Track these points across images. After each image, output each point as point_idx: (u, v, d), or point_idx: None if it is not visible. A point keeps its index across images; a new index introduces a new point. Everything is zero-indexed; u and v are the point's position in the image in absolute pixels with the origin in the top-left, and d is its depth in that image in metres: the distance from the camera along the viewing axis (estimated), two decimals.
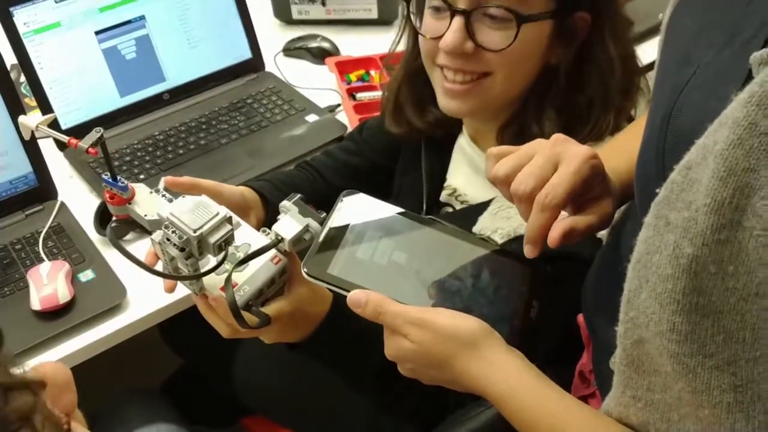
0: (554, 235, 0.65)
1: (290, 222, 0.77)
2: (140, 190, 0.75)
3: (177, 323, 1.13)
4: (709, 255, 0.46)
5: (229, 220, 0.70)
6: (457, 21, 0.87)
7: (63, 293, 1.06)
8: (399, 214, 0.78)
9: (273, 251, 0.78)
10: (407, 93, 1.03)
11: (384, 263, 0.73)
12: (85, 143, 0.73)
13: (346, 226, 0.75)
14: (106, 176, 0.75)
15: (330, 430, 1.12)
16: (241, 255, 0.76)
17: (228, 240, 0.70)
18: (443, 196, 1.04)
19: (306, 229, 0.76)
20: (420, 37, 0.94)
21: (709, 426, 0.50)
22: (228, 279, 0.73)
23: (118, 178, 0.74)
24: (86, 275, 1.12)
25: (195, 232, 0.68)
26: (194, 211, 0.69)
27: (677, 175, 0.48)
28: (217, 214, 0.69)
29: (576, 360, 0.80)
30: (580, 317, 0.77)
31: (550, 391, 0.64)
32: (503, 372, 0.64)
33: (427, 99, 0.98)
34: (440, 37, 0.89)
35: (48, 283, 1.07)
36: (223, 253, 0.71)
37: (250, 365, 1.19)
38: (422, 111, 1.01)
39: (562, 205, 0.65)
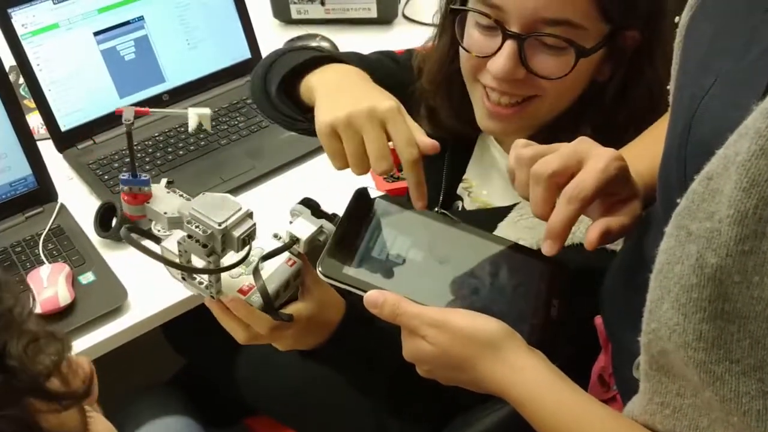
0: (591, 237, 0.65)
1: (304, 223, 0.76)
2: (157, 189, 0.74)
3: (180, 323, 1.12)
4: (733, 265, 0.45)
5: (250, 215, 0.69)
6: (510, 45, 0.80)
7: (63, 296, 1.05)
8: (414, 211, 0.77)
9: (287, 254, 0.78)
10: (443, 99, 0.96)
11: (400, 262, 0.72)
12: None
13: (360, 224, 0.74)
14: (125, 175, 0.73)
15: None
16: (255, 258, 0.75)
17: (251, 234, 0.69)
18: (459, 189, 1.02)
19: (320, 230, 0.76)
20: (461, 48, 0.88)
21: None
22: (256, 269, 0.73)
23: (138, 173, 0.73)
24: (87, 277, 1.12)
25: (220, 225, 0.67)
26: (217, 206, 0.68)
27: (698, 185, 0.48)
28: (240, 208, 0.68)
29: (590, 361, 0.79)
30: (598, 319, 0.76)
31: (572, 393, 0.63)
32: (524, 374, 0.63)
33: (464, 104, 0.92)
34: (487, 56, 0.83)
35: (48, 285, 1.06)
36: (247, 248, 0.70)
37: (255, 365, 1.18)
38: (458, 116, 0.95)
39: (589, 200, 0.64)
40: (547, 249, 0.66)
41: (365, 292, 0.68)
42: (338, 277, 0.70)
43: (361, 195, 0.77)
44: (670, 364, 0.53)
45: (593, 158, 0.65)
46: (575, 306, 0.75)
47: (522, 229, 0.85)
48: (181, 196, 0.74)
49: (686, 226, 0.48)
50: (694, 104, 0.53)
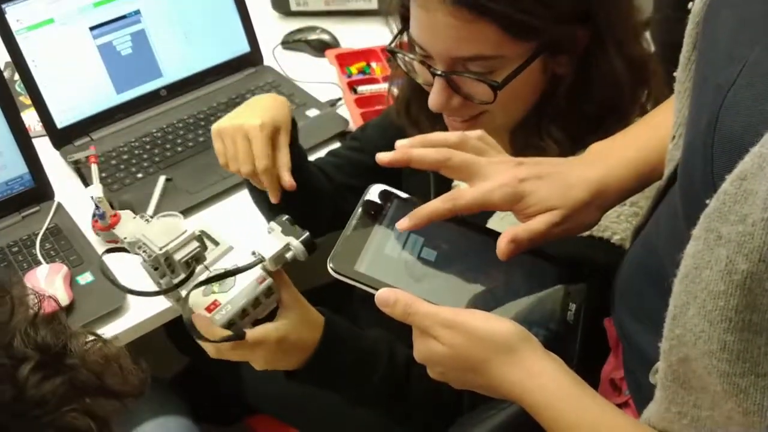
0: (500, 246, 0.68)
1: (272, 241, 0.78)
2: (125, 216, 0.79)
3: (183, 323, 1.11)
4: (765, 271, 0.43)
5: (197, 238, 0.75)
6: (439, 82, 0.86)
7: (62, 297, 1.04)
8: None
9: (259, 272, 0.78)
10: (417, 108, 1.00)
11: (413, 261, 0.71)
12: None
13: (373, 221, 0.73)
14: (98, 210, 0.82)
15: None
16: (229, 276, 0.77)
17: (196, 257, 0.75)
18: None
19: (287, 248, 0.77)
20: None
21: None
22: (186, 298, 0.75)
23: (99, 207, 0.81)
24: (85, 278, 1.10)
25: (161, 249, 0.73)
26: (163, 230, 0.74)
27: (730, 185, 0.45)
28: (185, 231, 0.74)
29: (597, 362, 0.77)
30: (607, 321, 0.74)
31: (590, 400, 0.61)
32: (541, 379, 0.61)
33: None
34: (430, 86, 0.88)
35: (46, 286, 1.04)
36: (190, 270, 0.75)
37: None
38: (437, 122, 0.97)
39: (459, 208, 0.68)
40: (401, 225, 0.70)
41: (377, 290, 0.66)
42: (349, 274, 0.69)
43: (374, 192, 0.76)
44: (688, 374, 0.52)
45: (486, 178, 0.69)
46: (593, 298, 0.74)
47: (510, 223, 0.84)
48: (147, 221, 0.78)
49: (716, 229, 0.46)
50: (720, 96, 0.51)
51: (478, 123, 0.89)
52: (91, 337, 0.52)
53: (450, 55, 0.83)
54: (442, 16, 0.81)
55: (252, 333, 0.77)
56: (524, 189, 0.69)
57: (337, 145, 1.24)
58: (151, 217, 0.78)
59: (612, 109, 0.87)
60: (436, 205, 0.68)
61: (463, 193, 0.69)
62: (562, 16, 0.81)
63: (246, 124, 0.93)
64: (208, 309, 0.77)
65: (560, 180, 0.70)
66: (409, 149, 0.71)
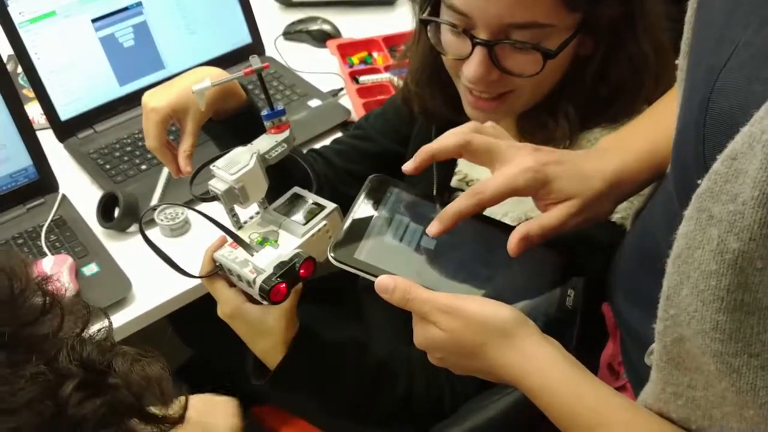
0: (511, 245, 0.68)
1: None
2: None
3: (187, 314, 1.12)
4: (756, 250, 0.43)
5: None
6: (480, 51, 0.82)
7: (67, 288, 1.04)
8: (428, 198, 0.77)
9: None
10: (434, 91, 0.98)
11: (412, 249, 0.72)
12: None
13: (373, 211, 0.74)
14: (266, 111, 0.84)
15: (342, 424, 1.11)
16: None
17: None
18: (454, 182, 1.02)
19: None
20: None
21: (755, 426, 0.48)
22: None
23: (275, 106, 0.84)
24: (90, 269, 1.11)
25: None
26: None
27: (720, 165, 0.46)
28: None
29: (596, 348, 0.77)
30: (605, 306, 0.75)
31: (587, 383, 0.61)
32: (538, 363, 0.62)
33: (454, 94, 0.94)
34: (463, 59, 0.85)
35: None
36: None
37: None
38: (452, 106, 0.97)
39: (488, 202, 0.68)
40: (432, 230, 0.69)
41: (376, 277, 0.67)
42: (350, 262, 0.70)
43: (375, 181, 0.76)
44: (683, 354, 0.52)
45: (508, 164, 0.69)
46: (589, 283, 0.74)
47: (509, 202, 0.85)
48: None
49: (708, 209, 0.46)
50: (712, 77, 0.51)
51: (504, 103, 0.88)
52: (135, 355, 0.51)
53: (502, 21, 0.79)
54: None
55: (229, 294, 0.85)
56: (548, 173, 0.68)
57: (339, 135, 1.25)
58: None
59: (624, 95, 0.87)
60: (461, 203, 0.68)
61: (486, 185, 0.68)
62: None
63: (147, 103, 0.94)
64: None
65: (578, 169, 0.70)
66: (428, 146, 0.70)
